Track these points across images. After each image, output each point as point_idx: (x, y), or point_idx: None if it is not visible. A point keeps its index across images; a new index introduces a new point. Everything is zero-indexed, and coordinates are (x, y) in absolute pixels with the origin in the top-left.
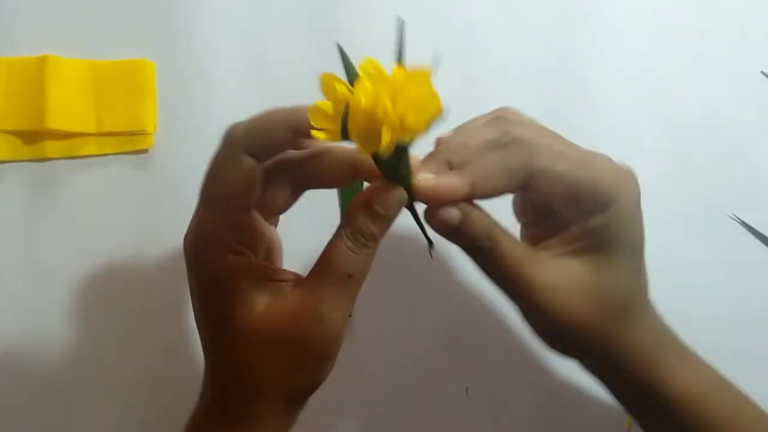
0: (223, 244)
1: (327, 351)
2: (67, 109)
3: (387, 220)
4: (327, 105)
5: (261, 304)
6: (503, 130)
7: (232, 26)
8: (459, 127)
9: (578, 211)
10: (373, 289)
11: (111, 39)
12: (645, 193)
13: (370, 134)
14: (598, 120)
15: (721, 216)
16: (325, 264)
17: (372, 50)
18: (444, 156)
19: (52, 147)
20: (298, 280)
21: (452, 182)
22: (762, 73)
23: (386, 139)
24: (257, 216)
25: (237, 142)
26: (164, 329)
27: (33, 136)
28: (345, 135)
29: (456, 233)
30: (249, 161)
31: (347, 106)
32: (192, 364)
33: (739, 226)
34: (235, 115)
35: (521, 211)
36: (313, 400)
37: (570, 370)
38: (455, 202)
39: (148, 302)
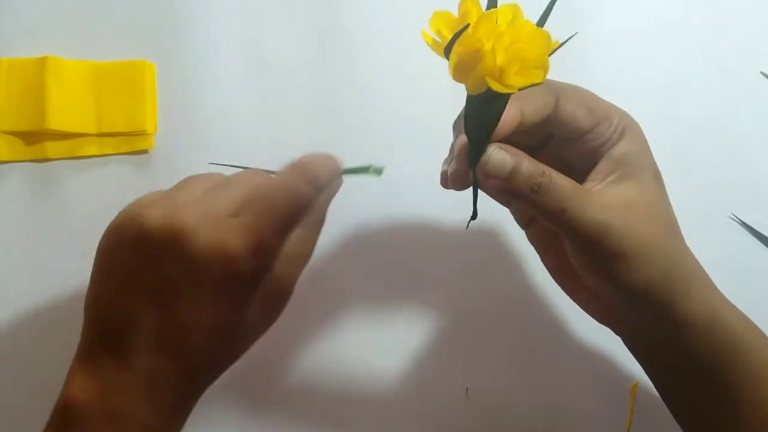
0: None
1: None
2: (68, 109)
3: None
4: (450, 18)
5: None
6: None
7: (232, 26)
8: None
9: (598, 137)
10: (372, 289)
11: (111, 39)
12: None
13: (467, 66)
14: None
15: (721, 216)
16: None
17: (372, 50)
18: None
19: (52, 147)
20: None
21: (509, 110)
22: (762, 73)
23: (476, 78)
24: None
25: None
26: None
27: (33, 137)
28: (447, 52)
29: (509, 179)
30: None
31: (464, 28)
32: None
33: (739, 227)
34: (235, 116)
35: (520, 212)
36: (313, 399)
37: (570, 370)
38: (511, 131)
39: None
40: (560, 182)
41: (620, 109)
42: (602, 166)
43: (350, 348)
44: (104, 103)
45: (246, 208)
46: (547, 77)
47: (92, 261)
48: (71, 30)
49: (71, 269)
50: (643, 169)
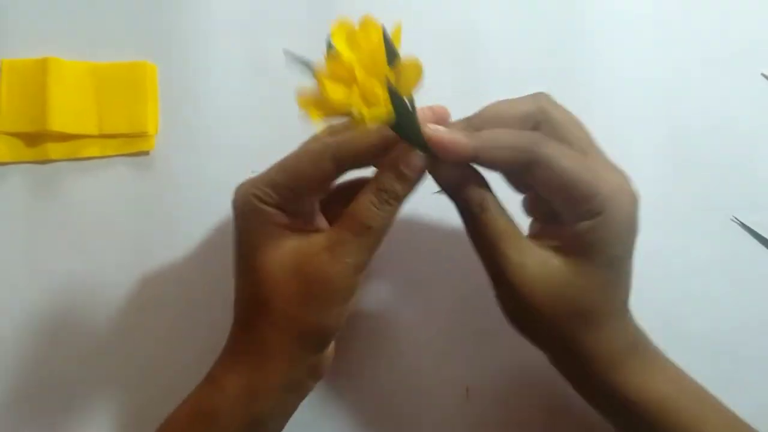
0: (277, 207)
1: (337, 291)
2: (69, 110)
3: (410, 180)
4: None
5: (289, 245)
6: (540, 107)
7: (232, 28)
8: (501, 100)
9: (571, 211)
10: (373, 290)
11: (112, 41)
12: (645, 195)
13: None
14: (597, 121)
15: (722, 218)
16: (348, 214)
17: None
18: (474, 122)
19: (53, 149)
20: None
21: (458, 139)
22: (762, 75)
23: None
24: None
25: (329, 146)
26: (164, 330)
27: (34, 138)
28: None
29: (453, 191)
30: (331, 166)
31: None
32: (192, 363)
33: (740, 229)
34: (236, 117)
35: (530, 206)
36: (314, 399)
37: None
38: (459, 159)
39: (148, 303)
40: (491, 219)
41: (620, 186)
42: (561, 229)
43: (350, 348)
44: (105, 104)
45: None
46: (559, 127)
47: (92, 261)
48: (73, 32)
49: (71, 270)
50: (595, 251)
